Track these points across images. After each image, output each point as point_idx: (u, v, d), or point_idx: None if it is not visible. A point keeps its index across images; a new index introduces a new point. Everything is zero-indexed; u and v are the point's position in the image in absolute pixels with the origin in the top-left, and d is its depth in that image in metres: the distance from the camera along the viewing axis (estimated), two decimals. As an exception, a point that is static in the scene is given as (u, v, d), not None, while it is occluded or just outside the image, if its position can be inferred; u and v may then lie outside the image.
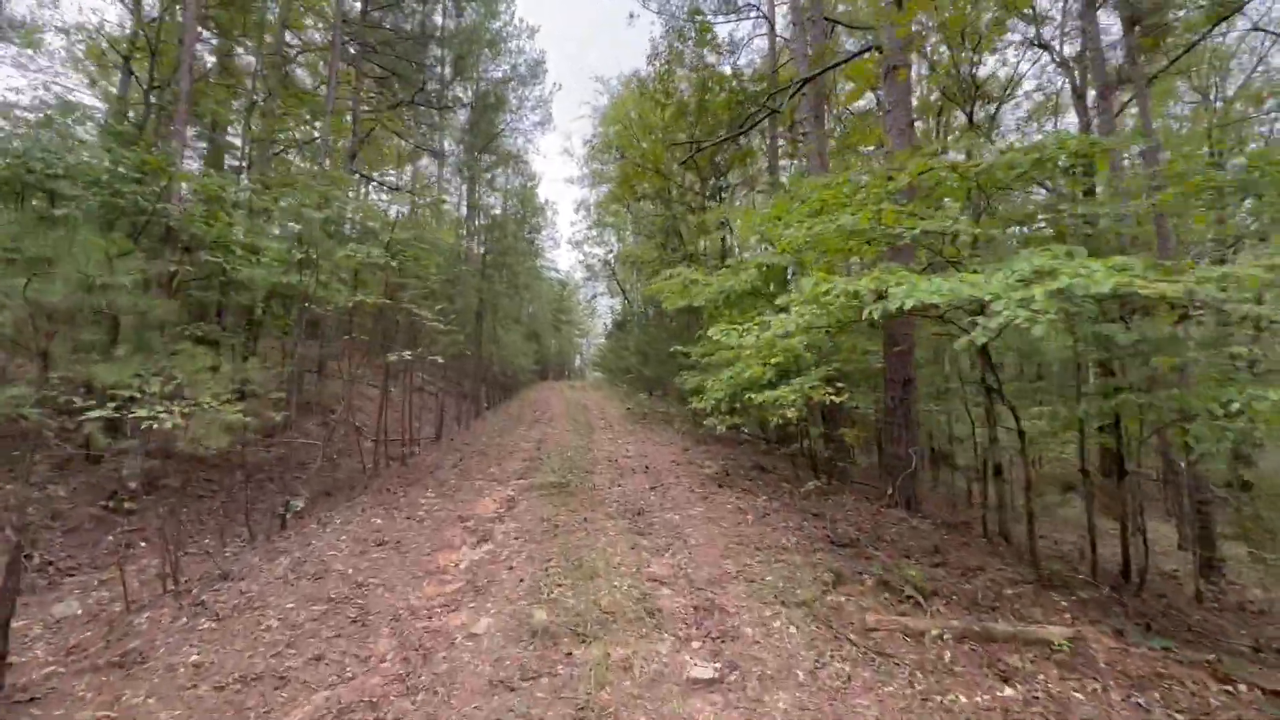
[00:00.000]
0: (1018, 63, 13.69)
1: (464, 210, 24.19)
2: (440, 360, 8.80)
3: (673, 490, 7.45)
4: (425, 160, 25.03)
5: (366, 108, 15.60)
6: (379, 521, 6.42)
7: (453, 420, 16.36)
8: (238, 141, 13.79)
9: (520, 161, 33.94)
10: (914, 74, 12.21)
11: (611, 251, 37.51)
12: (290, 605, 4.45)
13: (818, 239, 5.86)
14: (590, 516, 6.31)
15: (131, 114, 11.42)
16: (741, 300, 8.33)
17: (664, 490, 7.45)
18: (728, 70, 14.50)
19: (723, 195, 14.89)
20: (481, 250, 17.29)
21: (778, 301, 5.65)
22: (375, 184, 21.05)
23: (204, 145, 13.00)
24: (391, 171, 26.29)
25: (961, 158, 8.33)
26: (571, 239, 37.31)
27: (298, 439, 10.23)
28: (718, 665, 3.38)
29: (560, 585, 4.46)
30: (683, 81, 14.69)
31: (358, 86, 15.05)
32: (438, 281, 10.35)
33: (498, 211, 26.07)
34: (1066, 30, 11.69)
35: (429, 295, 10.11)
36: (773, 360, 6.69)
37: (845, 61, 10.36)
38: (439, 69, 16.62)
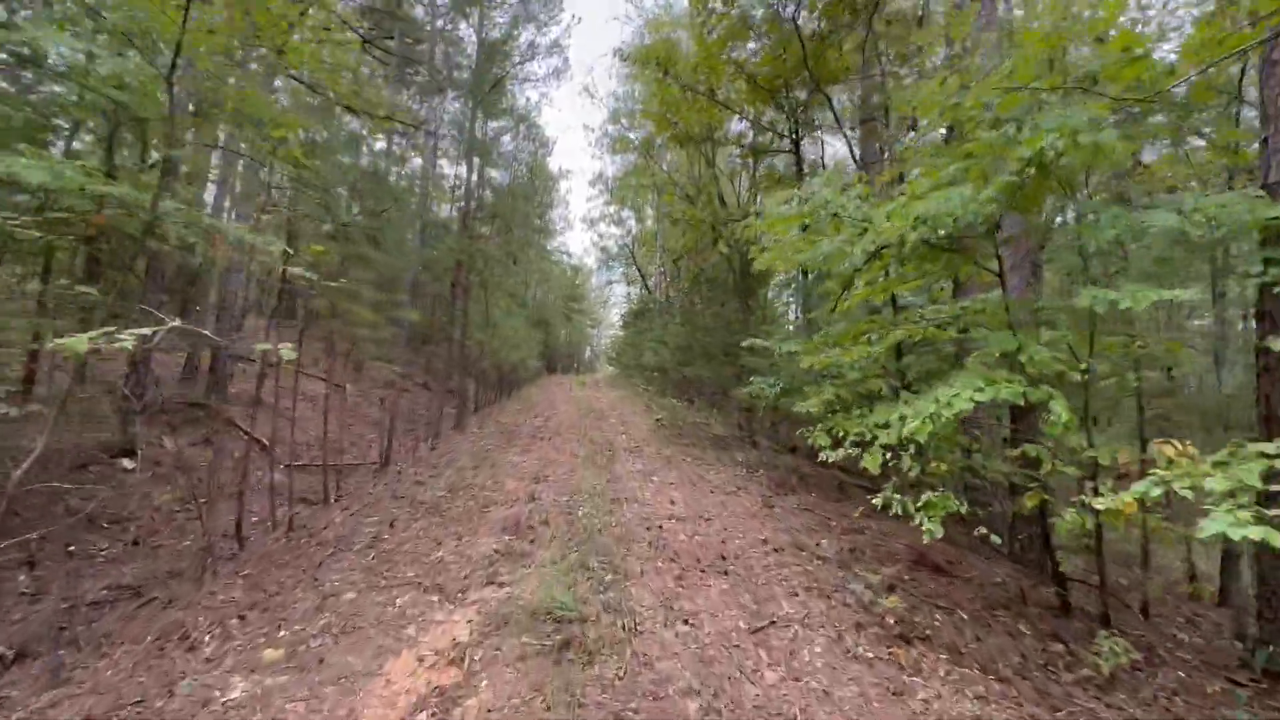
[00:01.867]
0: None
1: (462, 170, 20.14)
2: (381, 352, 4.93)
3: (809, 647, 3.50)
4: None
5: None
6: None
7: (424, 429, 12.51)
8: None
9: (532, 126, 30.11)
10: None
11: (630, 233, 33.56)
12: None
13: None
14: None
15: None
16: (915, 255, 4.34)
17: (791, 649, 3.50)
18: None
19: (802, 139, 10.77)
20: (473, 205, 13.24)
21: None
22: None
23: None
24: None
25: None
26: (586, 217, 32.76)
27: (129, 471, 6.32)
28: None
29: None
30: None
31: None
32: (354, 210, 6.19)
33: (495, 174, 22.24)
34: None
35: (337, 239, 6.09)
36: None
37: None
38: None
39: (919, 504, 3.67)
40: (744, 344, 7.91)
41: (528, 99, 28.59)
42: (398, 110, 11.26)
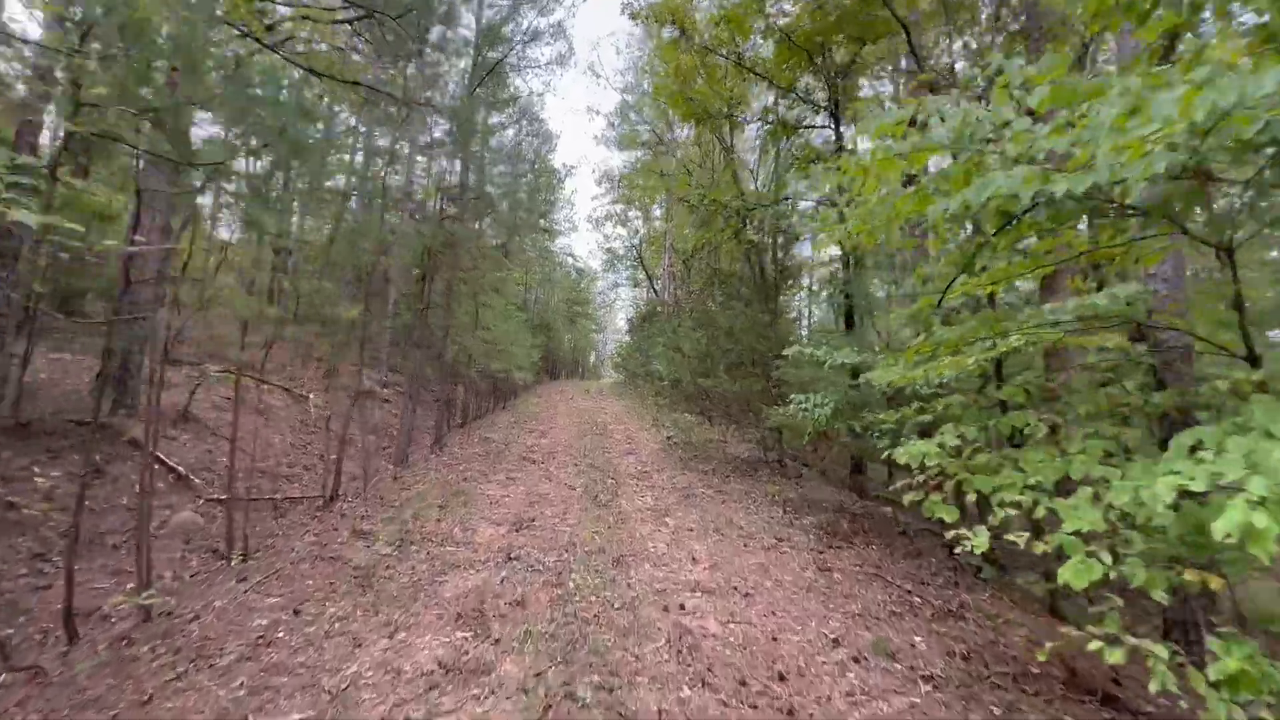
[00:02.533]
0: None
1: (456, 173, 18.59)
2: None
3: None
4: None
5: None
6: None
7: (398, 447, 10.97)
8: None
9: (534, 120, 28.69)
10: None
11: (638, 234, 31.99)
12: None
13: None
14: None
15: None
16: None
17: None
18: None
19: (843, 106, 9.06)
20: (452, 181, 11.58)
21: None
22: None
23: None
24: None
25: None
26: (591, 216, 31.09)
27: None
28: None
29: None
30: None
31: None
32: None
33: (489, 159, 20.82)
34: None
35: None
36: None
37: None
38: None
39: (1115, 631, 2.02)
40: (785, 352, 6.26)
41: (530, 91, 27.21)
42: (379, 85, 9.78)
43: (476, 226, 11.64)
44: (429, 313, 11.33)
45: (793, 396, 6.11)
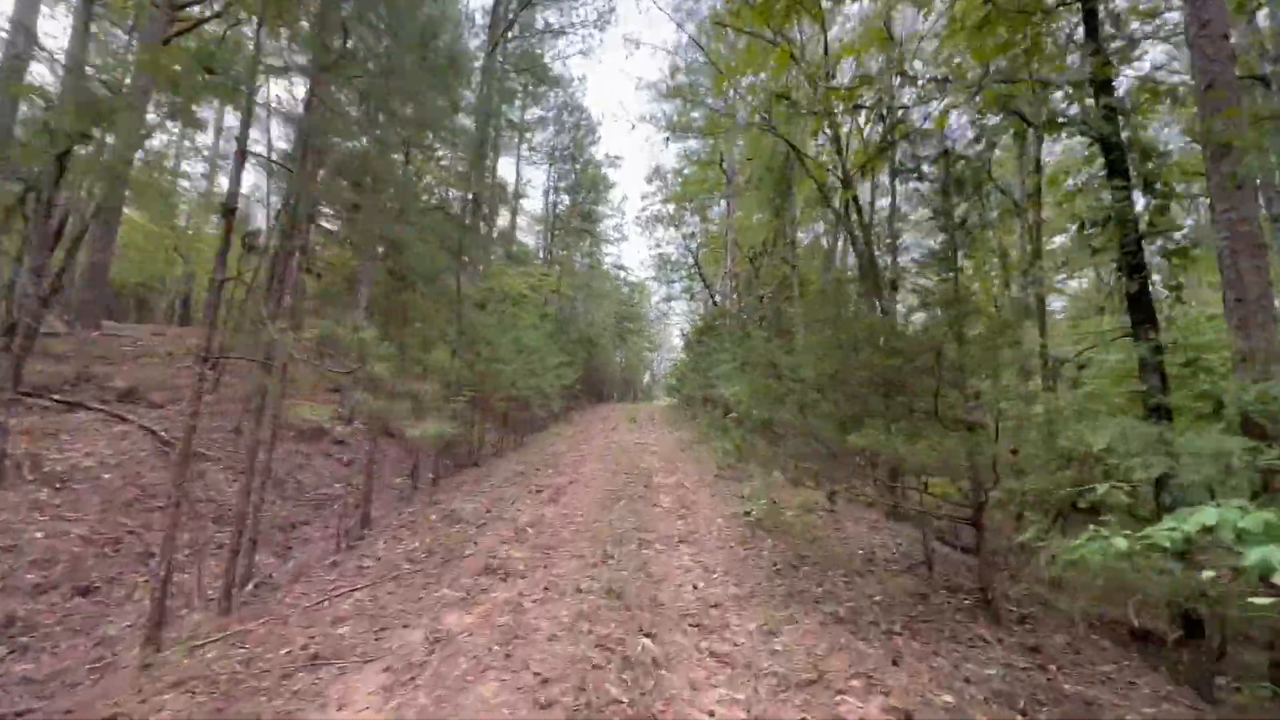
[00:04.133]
0: None
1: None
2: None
3: None
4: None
5: None
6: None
7: (341, 518, 7.35)
8: None
9: (572, 108, 25.39)
10: None
11: (694, 235, 27.94)
12: None
13: None
14: None
15: None
16: None
17: None
18: None
19: None
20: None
21: None
22: None
23: None
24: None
25: None
26: (639, 217, 27.15)
27: None
28: None
29: None
30: None
31: None
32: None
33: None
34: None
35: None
36: None
37: None
38: None
39: None
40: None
41: (565, 66, 24.06)
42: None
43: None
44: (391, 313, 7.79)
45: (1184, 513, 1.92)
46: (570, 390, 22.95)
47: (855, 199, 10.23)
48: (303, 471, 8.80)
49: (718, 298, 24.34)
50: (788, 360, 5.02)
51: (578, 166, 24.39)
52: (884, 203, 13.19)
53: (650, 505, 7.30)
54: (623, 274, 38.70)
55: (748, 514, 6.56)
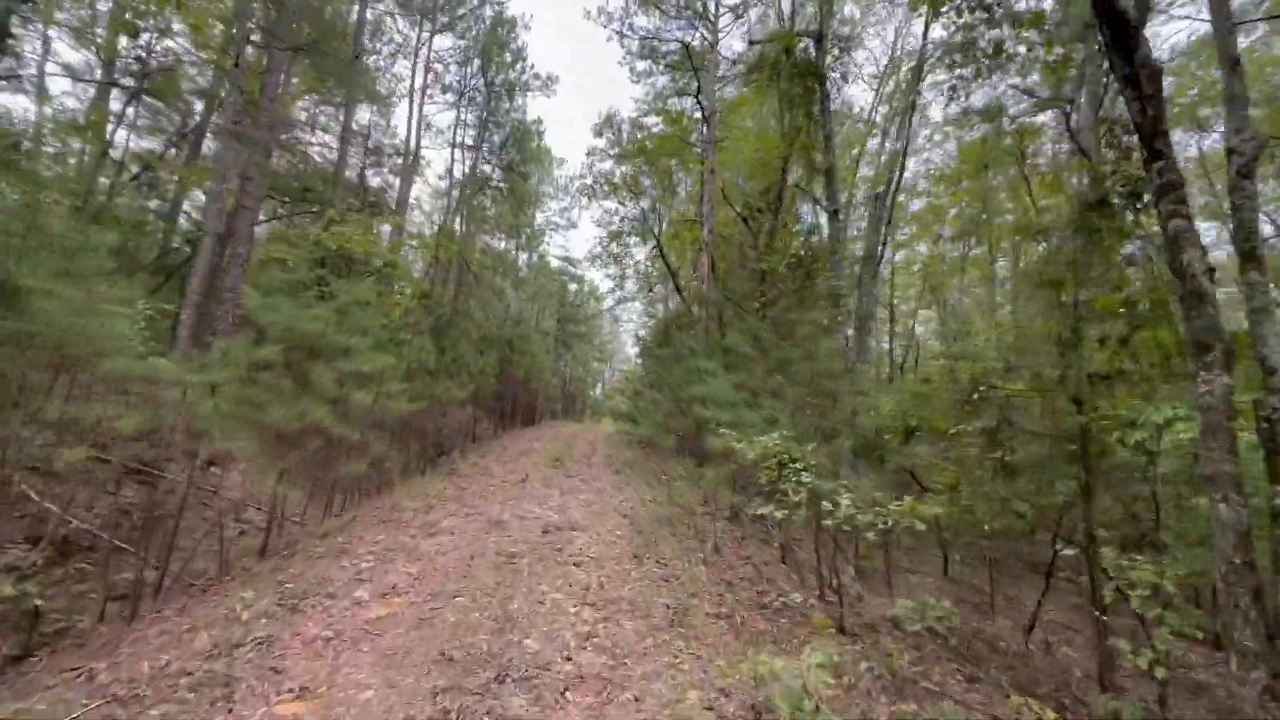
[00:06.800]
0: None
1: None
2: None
3: None
4: None
5: None
6: None
7: None
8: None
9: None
10: None
11: (657, 213, 21.57)
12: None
13: None
14: None
15: None
16: None
17: None
18: None
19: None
20: None
21: None
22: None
23: None
24: None
25: None
26: (583, 187, 19.39)
27: None
28: None
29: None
30: None
31: None
32: None
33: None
34: None
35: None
36: None
37: None
38: None
39: None
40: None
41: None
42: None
43: None
44: None
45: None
46: (482, 408, 16.35)
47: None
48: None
49: (689, 284, 18.12)
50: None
51: (495, 88, 17.81)
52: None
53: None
54: (570, 267, 32.33)
55: None
